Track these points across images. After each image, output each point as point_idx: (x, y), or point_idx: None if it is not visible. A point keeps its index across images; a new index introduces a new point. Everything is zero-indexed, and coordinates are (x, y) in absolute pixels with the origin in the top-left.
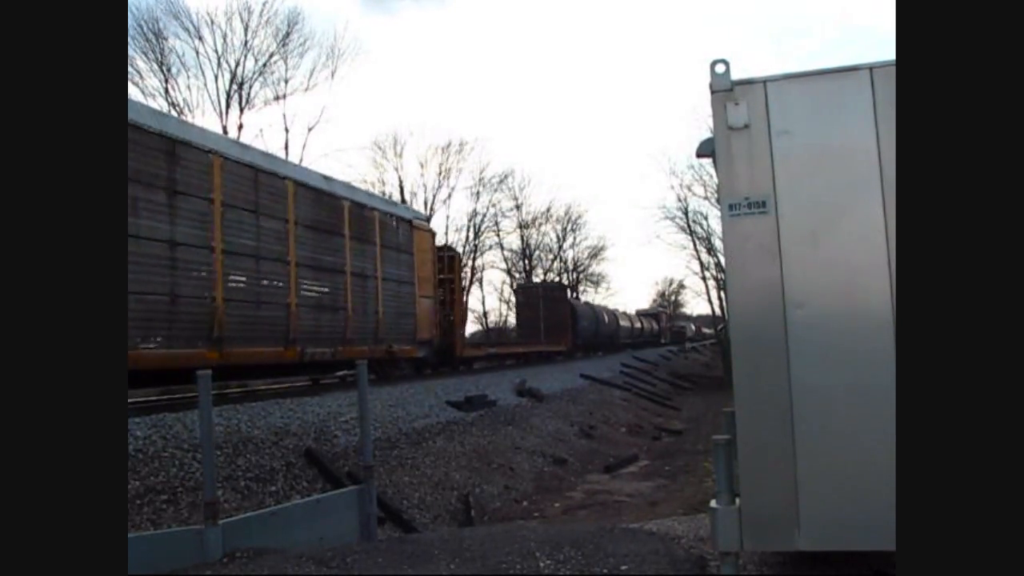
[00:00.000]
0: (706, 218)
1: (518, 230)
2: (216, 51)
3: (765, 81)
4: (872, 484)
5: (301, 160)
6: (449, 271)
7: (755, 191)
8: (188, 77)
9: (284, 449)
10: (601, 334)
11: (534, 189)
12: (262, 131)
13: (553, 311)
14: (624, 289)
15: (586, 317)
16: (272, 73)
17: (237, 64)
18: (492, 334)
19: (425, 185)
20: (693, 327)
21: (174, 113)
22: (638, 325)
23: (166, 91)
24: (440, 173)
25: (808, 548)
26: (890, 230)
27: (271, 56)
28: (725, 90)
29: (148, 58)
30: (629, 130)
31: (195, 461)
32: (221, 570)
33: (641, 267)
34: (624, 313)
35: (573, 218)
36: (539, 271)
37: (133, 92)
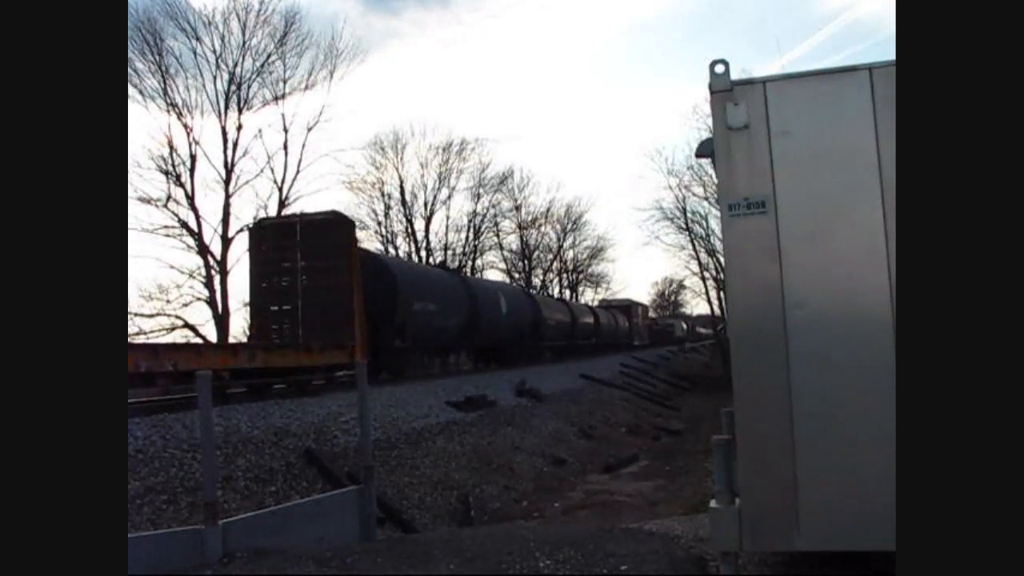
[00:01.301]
0: (705, 218)
1: (518, 231)
2: (214, 51)
3: (764, 81)
4: (872, 484)
5: (300, 160)
6: None
7: (754, 191)
8: (187, 78)
9: (284, 449)
10: (489, 329)
11: (534, 189)
12: (261, 131)
13: (326, 280)
14: (625, 289)
15: (429, 297)
16: (271, 73)
17: (235, 64)
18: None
19: (425, 186)
20: (685, 325)
21: (173, 114)
22: (588, 319)
23: (165, 91)
24: (440, 174)
25: (807, 548)
26: (890, 230)
27: (269, 56)
28: (725, 90)
29: (146, 59)
30: (631, 130)
31: (195, 461)
32: (221, 570)
33: (642, 267)
34: (558, 300)
35: (573, 218)
36: (539, 271)
37: (132, 93)
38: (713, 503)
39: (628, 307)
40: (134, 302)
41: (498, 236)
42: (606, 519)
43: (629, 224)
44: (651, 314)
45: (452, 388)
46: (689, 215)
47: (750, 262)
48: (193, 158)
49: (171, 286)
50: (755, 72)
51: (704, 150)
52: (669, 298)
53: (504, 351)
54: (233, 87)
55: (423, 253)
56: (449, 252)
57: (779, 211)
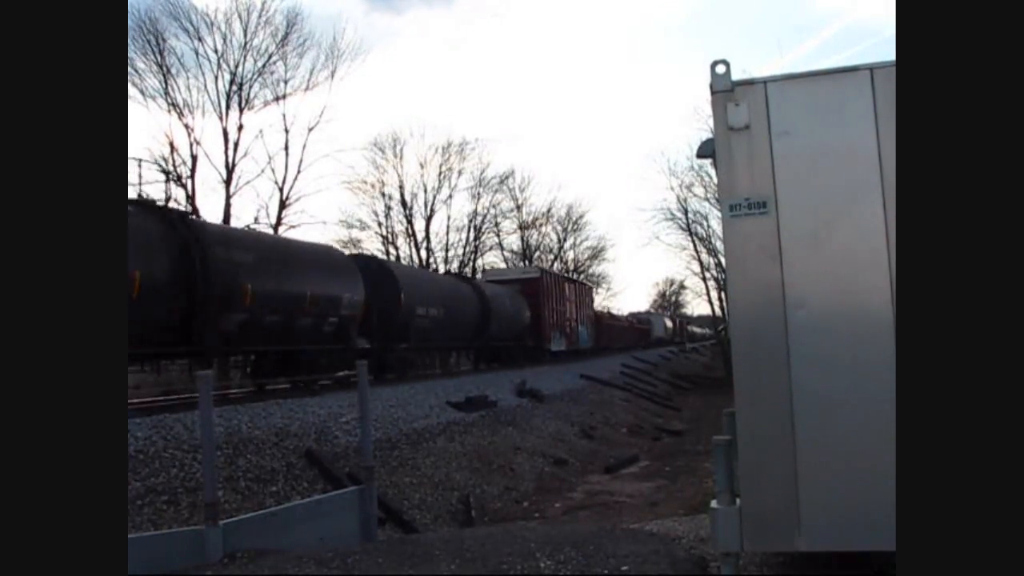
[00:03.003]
0: (706, 218)
1: (518, 231)
2: (216, 51)
3: (765, 82)
4: (872, 484)
5: (301, 161)
6: None
7: (755, 192)
8: (188, 78)
9: (285, 450)
10: None
11: (535, 190)
12: (262, 131)
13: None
14: (626, 290)
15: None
16: (272, 73)
17: (237, 64)
18: None
19: (425, 186)
20: (669, 323)
21: (175, 113)
22: (348, 298)
23: (166, 91)
24: (441, 174)
25: (808, 549)
26: (890, 231)
27: (270, 56)
28: (726, 91)
29: (147, 59)
30: (631, 131)
31: (195, 462)
32: (221, 570)
33: (643, 268)
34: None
35: (574, 219)
36: None
37: (133, 92)
38: (714, 503)
39: (533, 282)
40: None
41: (499, 236)
42: (607, 519)
43: (630, 225)
44: (640, 304)
45: (453, 388)
46: (690, 215)
47: (751, 262)
48: (194, 158)
49: None
50: (756, 72)
51: (705, 150)
52: (670, 298)
53: None
54: (234, 87)
55: (423, 253)
56: (450, 252)
57: (780, 211)
